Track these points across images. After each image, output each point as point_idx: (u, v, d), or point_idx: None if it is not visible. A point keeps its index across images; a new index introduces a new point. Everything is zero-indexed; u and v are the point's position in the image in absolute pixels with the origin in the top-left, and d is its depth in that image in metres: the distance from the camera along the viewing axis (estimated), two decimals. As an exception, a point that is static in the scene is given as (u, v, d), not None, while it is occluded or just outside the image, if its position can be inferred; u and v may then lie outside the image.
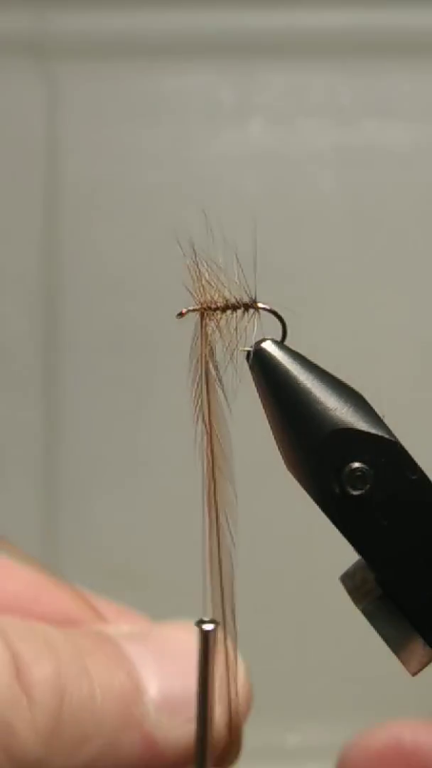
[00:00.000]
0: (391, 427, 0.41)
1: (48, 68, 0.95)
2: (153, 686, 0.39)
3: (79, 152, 0.94)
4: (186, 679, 0.40)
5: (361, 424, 0.41)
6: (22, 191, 0.94)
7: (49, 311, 0.94)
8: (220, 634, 0.42)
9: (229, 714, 0.41)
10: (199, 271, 0.42)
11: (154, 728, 0.39)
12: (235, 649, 0.42)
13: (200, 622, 0.43)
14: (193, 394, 0.43)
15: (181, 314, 0.43)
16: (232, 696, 0.41)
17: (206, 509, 0.40)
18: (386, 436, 0.41)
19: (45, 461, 0.94)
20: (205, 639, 0.43)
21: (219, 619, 0.42)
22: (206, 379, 0.41)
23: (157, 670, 0.40)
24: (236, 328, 0.42)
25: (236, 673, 0.41)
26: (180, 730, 0.40)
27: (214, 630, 0.43)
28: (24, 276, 0.94)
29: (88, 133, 0.94)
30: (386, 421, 0.42)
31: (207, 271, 0.42)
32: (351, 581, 0.44)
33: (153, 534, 0.94)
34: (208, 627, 0.43)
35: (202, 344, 0.42)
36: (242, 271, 0.42)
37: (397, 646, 0.43)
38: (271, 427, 0.42)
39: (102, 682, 0.37)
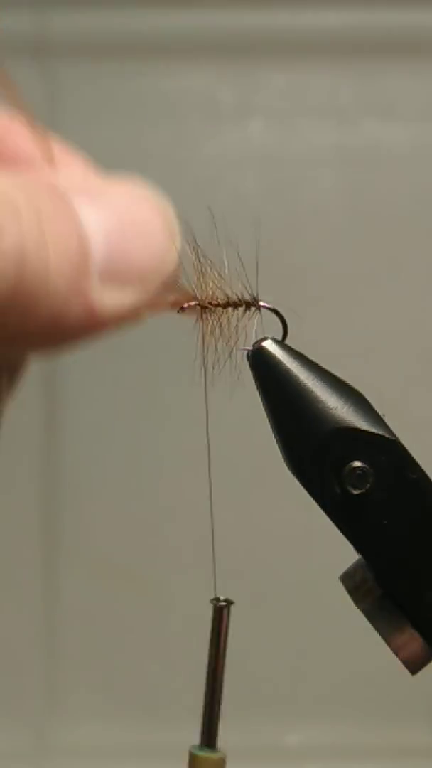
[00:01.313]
0: (392, 426, 0.41)
1: (48, 68, 0.95)
2: (100, 255, 0.39)
3: (79, 152, 0.94)
4: (130, 245, 0.40)
5: (362, 423, 0.41)
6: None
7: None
8: None
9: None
10: (202, 267, 0.42)
11: (97, 300, 0.39)
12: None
13: (215, 600, 0.45)
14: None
15: (182, 309, 0.42)
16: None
17: None
18: (387, 435, 0.41)
19: (45, 462, 0.94)
20: (219, 615, 0.45)
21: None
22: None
23: (105, 237, 0.40)
24: (237, 325, 0.42)
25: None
26: (117, 294, 0.40)
27: (228, 607, 0.45)
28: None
29: (89, 132, 0.94)
30: (386, 420, 0.42)
31: (209, 267, 0.42)
32: (351, 581, 0.44)
33: (153, 534, 0.94)
34: (222, 604, 0.45)
35: (202, 339, 0.42)
36: (243, 269, 0.42)
37: (396, 645, 0.43)
38: (271, 426, 0.42)
39: (57, 250, 0.38)
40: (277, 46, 0.94)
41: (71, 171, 0.45)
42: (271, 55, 0.94)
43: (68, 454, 0.94)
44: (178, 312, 0.42)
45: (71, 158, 0.47)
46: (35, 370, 0.96)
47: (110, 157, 0.95)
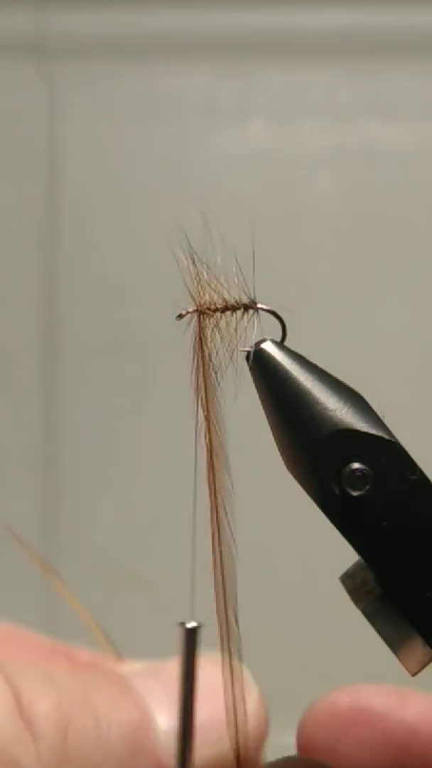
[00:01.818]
0: (391, 427, 0.41)
1: (48, 68, 0.95)
2: (163, 716, 0.40)
3: (79, 152, 0.94)
4: (197, 707, 0.41)
5: (361, 425, 0.41)
6: (22, 191, 0.94)
7: (49, 311, 0.94)
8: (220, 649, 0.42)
9: (236, 746, 0.42)
10: (199, 271, 0.42)
11: (166, 756, 0.39)
12: (240, 665, 0.42)
13: (182, 624, 0.43)
14: (193, 394, 0.43)
15: (180, 316, 0.43)
16: (240, 724, 0.41)
17: (208, 503, 0.40)
18: (386, 436, 0.41)
19: (45, 461, 0.94)
20: (189, 638, 0.43)
21: (223, 628, 0.42)
22: (205, 379, 0.41)
23: (166, 700, 0.40)
24: (236, 328, 0.42)
25: (243, 695, 0.42)
26: (194, 755, 0.40)
27: (198, 629, 0.43)
28: (24, 276, 0.94)
29: (88, 133, 0.94)
30: (386, 421, 0.42)
31: (206, 271, 0.42)
32: (351, 581, 0.44)
33: (153, 534, 0.94)
34: (191, 625, 0.43)
35: (200, 346, 0.42)
36: (242, 271, 0.42)
37: (397, 646, 0.43)
38: (270, 427, 0.42)
39: (108, 713, 0.38)
40: (277, 46, 0.94)
41: (130, 666, 0.46)
42: (271, 55, 0.94)
43: (68, 454, 0.94)
44: (177, 319, 0.42)
45: (131, 661, 0.47)
46: (35, 369, 0.96)
47: (110, 157, 0.95)
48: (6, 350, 0.94)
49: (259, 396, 0.41)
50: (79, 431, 0.94)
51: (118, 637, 0.95)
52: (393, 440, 0.41)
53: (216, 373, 0.42)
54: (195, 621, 0.44)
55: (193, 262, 0.41)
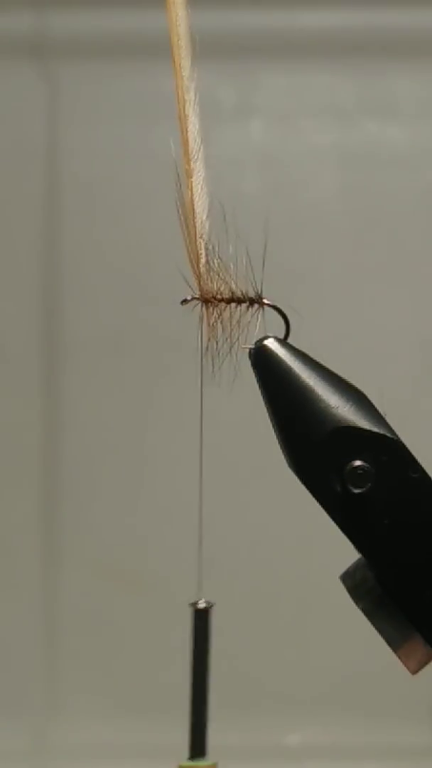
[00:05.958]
0: (393, 425, 0.41)
1: (48, 68, 0.95)
2: None
3: (80, 152, 0.94)
4: None
5: (363, 423, 0.41)
6: (23, 191, 0.94)
7: (49, 311, 0.94)
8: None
9: None
10: (209, 261, 0.42)
11: None
12: None
13: (194, 604, 0.44)
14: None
15: (185, 301, 0.43)
16: None
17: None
18: (388, 434, 0.41)
19: (45, 461, 0.94)
20: (201, 618, 0.43)
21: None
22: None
23: None
24: (239, 321, 0.42)
25: None
26: None
27: (209, 609, 0.44)
28: (24, 276, 0.94)
29: (89, 133, 0.94)
30: (388, 419, 0.42)
31: (217, 262, 0.42)
32: (351, 580, 0.44)
33: (153, 534, 0.94)
34: (203, 605, 0.44)
35: (204, 333, 0.42)
36: (246, 268, 0.42)
37: (397, 644, 0.43)
38: (273, 424, 0.42)
39: None
40: (277, 46, 0.95)
41: None
42: (271, 55, 0.94)
43: (68, 454, 0.94)
44: (181, 304, 0.42)
45: None
46: (36, 368, 0.96)
47: (110, 157, 0.95)
48: (7, 349, 0.94)
49: (262, 393, 0.41)
50: (80, 431, 0.94)
51: (118, 637, 0.95)
52: (395, 438, 0.41)
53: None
54: (205, 601, 0.44)
55: (205, 252, 0.42)
